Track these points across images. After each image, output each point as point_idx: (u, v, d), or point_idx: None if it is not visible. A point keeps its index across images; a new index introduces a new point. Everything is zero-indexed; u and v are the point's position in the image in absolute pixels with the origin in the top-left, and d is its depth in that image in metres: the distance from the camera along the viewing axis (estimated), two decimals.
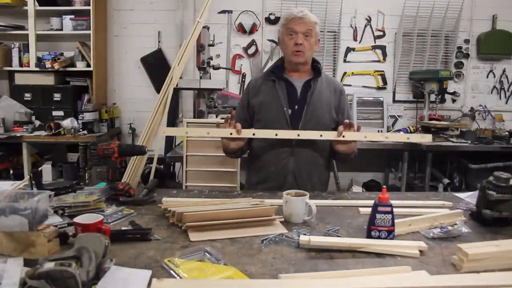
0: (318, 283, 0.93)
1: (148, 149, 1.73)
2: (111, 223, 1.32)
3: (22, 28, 3.83)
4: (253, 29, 4.11)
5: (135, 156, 1.95)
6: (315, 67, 1.92)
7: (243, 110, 1.95)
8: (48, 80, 3.81)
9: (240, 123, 1.72)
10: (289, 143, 1.80)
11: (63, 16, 3.81)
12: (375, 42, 4.16)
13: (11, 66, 3.87)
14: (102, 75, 4.07)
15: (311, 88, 1.86)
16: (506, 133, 3.68)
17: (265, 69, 2.16)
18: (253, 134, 1.71)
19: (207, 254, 1.08)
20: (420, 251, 1.12)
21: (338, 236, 1.23)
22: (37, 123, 3.73)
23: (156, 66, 4.10)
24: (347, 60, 4.17)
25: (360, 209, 1.49)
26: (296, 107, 1.84)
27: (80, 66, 3.86)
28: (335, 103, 1.90)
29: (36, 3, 3.75)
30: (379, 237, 1.19)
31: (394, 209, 1.21)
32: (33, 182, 1.43)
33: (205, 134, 1.78)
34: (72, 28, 3.81)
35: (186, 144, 2.31)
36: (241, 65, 4.18)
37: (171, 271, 0.98)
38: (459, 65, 4.19)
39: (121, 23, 4.14)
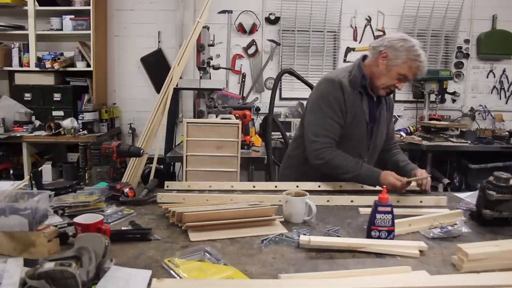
0: (318, 283, 0.93)
1: (145, 152, 1.72)
2: (111, 223, 1.32)
3: (22, 28, 3.83)
4: (253, 29, 4.11)
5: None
6: None
7: (342, 115, 1.73)
8: (48, 80, 3.81)
9: (338, 130, 1.73)
10: (364, 151, 1.83)
11: (63, 16, 3.81)
12: None
13: (11, 66, 3.87)
14: (102, 75, 4.07)
15: (380, 105, 1.86)
16: (506, 133, 3.69)
17: (347, 73, 1.78)
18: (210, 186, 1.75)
19: (207, 254, 1.08)
20: (420, 251, 1.12)
21: (338, 236, 1.23)
22: (37, 123, 3.73)
23: (156, 66, 4.11)
24: (347, 60, 4.17)
25: (360, 209, 1.49)
26: (372, 124, 1.83)
27: (80, 66, 3.86)
28: (388, 117, 1.94)
29: (36, 3, 3.75)
30: (379, 237, 1.19)
31: (394, 209, 1.21)
32: (33, 182, 1.43)
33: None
34: (72, 28, 3.81)
35: (186, 144, 2.31)
36: (241, 65, 4.18)
37: (171, 271, 0.98)
38: (459, 65, 4.19)
39: (121, 23, 4.14)
